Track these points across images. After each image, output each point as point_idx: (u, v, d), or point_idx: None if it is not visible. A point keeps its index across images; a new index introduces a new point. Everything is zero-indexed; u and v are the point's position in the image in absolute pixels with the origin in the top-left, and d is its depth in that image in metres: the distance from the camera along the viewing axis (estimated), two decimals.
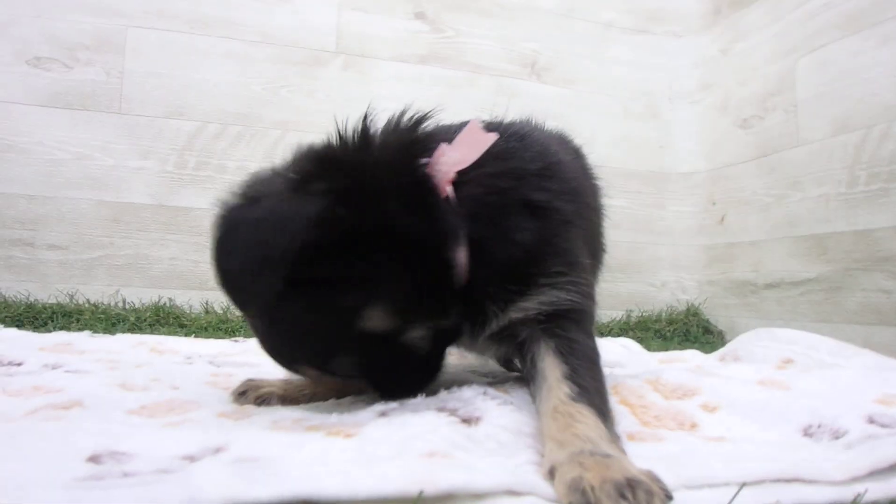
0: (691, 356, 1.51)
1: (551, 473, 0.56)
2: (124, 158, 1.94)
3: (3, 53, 1.84)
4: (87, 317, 1.64)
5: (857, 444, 0.69)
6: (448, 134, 0.74)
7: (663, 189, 2.45)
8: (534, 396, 0.70)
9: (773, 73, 2.11)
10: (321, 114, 2.10)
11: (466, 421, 0.58)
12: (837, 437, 0.72)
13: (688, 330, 2.27)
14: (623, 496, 0.49)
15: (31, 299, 1.73)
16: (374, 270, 0.64)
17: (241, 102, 2.06)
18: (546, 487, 0.53)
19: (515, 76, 2.35)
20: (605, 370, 0.75)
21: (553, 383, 0.66)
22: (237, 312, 1.90)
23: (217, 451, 0.48)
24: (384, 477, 0.45)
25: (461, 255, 0.69)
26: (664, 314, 2.34)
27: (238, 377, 0.90)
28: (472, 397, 0.67)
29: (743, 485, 0.58)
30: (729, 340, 1.95)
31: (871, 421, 0.76)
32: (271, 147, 2.09)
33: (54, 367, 0.91)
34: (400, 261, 0.65)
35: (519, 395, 0.74)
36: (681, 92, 2.50)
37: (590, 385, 0.67)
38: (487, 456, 0.54)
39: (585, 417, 0.62)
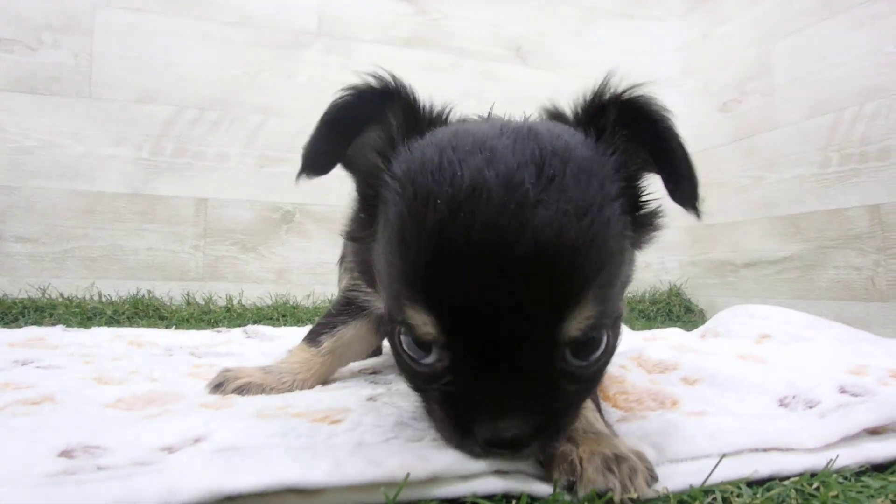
0: (673, 334, 1.54)
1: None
2: (96, 146, 1.87)
3: None
4: (60, 311, 1.59)
5: (830, 413, 0.71)
6: None
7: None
8: None
9: (751, 57, 2.14)
10: (303, 98, 2.05)
11: None
12: (811, 407, 0.74)
13: (670, 309, 2.31)
14: (609, 469, 0.51)
15: (0, 294, 1.68)
16: None
17: (219, 87, 2.00)
18: (531, 468, 0.54)
19: (501, 60, 2.33)
20: None
21: None
22: (219, 303, 1.88)
23: (197, 441, 0.47)
24: (373, 461, 0.45)
25: None
26: (647, 295, 2.38)
27: (220, 368, 0.89)
28: None
29: (723, 456, 0.60)
30: (709, 318, 2.00)
31: (843, 391, 0.79)
32: (252, 133, 2.04)
33: (24, 363, 0.88)
34: None
35: None
36: (663, 76, 2.51)
37: None
38: None
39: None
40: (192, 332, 1.46)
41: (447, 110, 0.61)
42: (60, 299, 1.69)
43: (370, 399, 0.63)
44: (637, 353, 1.03)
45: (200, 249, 1.96)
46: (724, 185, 2.25)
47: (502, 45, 2.34)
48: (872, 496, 0.56)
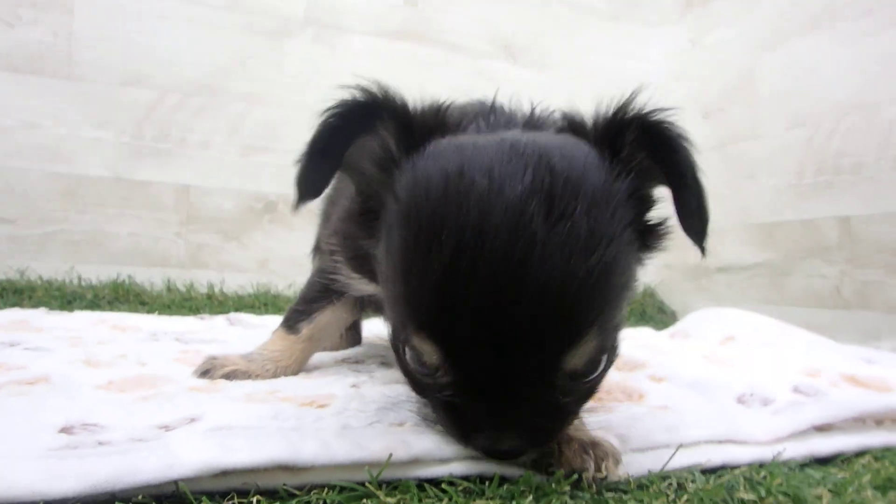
0: (644, 334, 1.60)
1: None
2: (77, 128, 1.84)
3: None
4: (39, 294, 1.58)
5: (783, 410, 0.77)
6: None
7: None
8: None
9: (737, 66, 2.18)
10: (289, 88, 2.04)
11: None
12: (766, 405, 0.80)
13: (644, 310, 2.38)
14: (585, 452, 0.56)
15: None
16: None
17: (204, 72, 1.98)
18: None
19: (491, 57, 2.35)
20: None
21: None
22: (201, 290, 1.88)
23: (192, 420, 0.50)
24: (358, 444, 0.48)
25: None
26: None
27: (207, 355, 0.91)
28: None
29: (679, 446, 0.65)
30: (680, 319, 2.07)
31: (797, 390, 0.84)
32: (236, 121, 2.02)
33: (12, 345, 0.88)
34: None
35: None
36: (651, 81, 2.55)
37: None
38: None
39: None
40: (176, 318, 1.46)
41: (444, 111, 0.59)
42: (40, 282, 1.67)
43: (353, 386, 0.66)
44: None
45: (182, 237, 1.95)
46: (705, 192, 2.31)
47: (493, 42, 2.35)
48: (812, 486, 0.61)
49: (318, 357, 0.98)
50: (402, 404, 0.60)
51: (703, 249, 0.58)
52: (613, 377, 0.92)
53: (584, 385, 0.55)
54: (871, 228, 1.68)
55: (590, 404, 0.79)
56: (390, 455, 0.49)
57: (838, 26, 1.80)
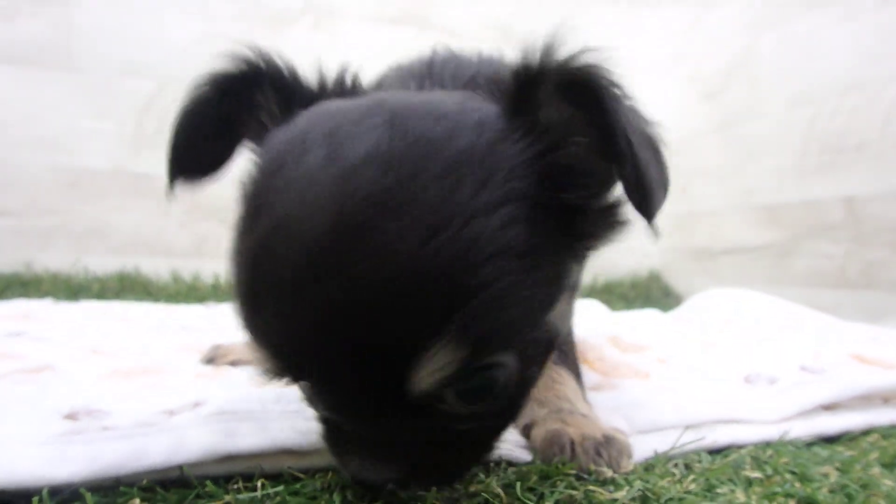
0: (649, 316, 1.60)
1: (527, 428, 0.59)
2: (78, 119, 1.84)
3: None
4: (46, 286, 1.59)
5: (789, 389, 0.76)
6: None
7: None
8: None
9: (737, 46, 2.16)
10: None
11: None
12: (773, 384, 0.80)
13: (649, 293, 2.38)
14: (599, 454, 0.53)
15: None
16: None
17: (204, 61, 1.97)
18: (518, 436, 0.58)
19: (489, 41, 2.32)
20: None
21: None
22: (206, 280, 1.88)
23: (196, 405, 0.50)
24: None
25: None
26: (628, 279, 2.44)
27: (212, 342, 0.91)
28: None
29: (686, 428, 0.64)
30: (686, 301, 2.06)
31: (803, 369, 0.84)
32: None
33: (18, 335, 0.90)
34: None
35: None
36: (652, 62, 2.53)
37: (568, 349, 0.69)
38: None
39: (565, 380, 0.65)
40: (182, 306, 1.47)
41: (353, 77, 0.51)
42: (46, 274, 1.68)
43: None
44: (613, 334, 1.08)
45: (187, 227, 1.95)
46: (707, 173, 2.29)
47: (492, 28, 2.33)
48: (819, 464, 0.61)
49: None
50: None
51: (652, 227, 0.43)
52: (620, 357, 0.92)
53: (485, 409, 0.42)
54: (875, 207, 1.66)
55: (597, 378, 0.79)
56: None
57: (837, 4, 1.77)
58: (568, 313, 0.63)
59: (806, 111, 1.88)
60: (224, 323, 1.21)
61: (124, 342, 0.88)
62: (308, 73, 0.51)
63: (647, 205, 0.42)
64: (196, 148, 0.51)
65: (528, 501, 0.46)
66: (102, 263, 1.82)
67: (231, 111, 0.50)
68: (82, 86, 1.84)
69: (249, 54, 0.50)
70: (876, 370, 0.82)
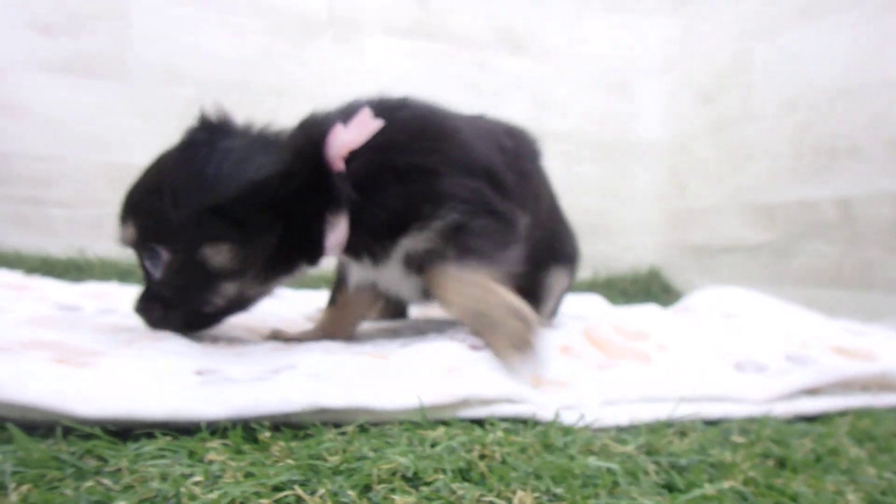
0: (650, 309, 1.70)
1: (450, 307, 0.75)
2: (127, 121, 2.00)
3: (13, 21, 1.91)
4: (97, 271, 1.71)
5: (775, 376, 0.87)
6: (346, 116, 0.86)
7: (630, 158, 2.62)
8: None
9: (732, 54, 2.24)
10: (315, 84, 2.17)
11: (474, 347, 0.73)
12: (761, 371, 0.90)
13: (649, 289, 2.47)
14: (512, 314, 0.70)
15: (44, 253, 1.80)
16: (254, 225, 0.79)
17: (237, 70, 2.12)
18: (537, 397, 0.69)
19: (496, 50, 2.43)
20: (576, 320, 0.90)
21: (446, 266, 0.80)
22: None
23: (290, 367, 0.61)
24: (418, 392, 0.59)
25: (340, 220, 0.83)
26: (628, 275, 2.54)
27: (269, 322, 1.04)
28: None
29: (680, 399, 0.75)
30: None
31: (788, 359, 0.94)
32: (267, 114, 2.13)
33: (109, 312, 1.01)
34: (285, 222, 0.81)
35: None
36: (647, 68, 2.62)
37: (480, 246, 0.81)
38: (491, 372, 0.68)
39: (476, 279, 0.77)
40: None
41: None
42: (97, 260, 1.81)
43: (404, 346, 0.77)
44: (618, 323, 1.18)
45: None
46: (704, 173, 2.38)
47: (498, 35, 2.43)
48: (797, 436, 0.71)
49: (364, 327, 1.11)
50: (447, 354, 0.71)
51: None
52: (624, 343, 1.03)
53: (171, 279, 0.80)
54: (868, 208, 1.74)
55: (604, 360, 0.90)
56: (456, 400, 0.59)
57: (829, 17, 1.85)
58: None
59: (799, 116, 1.96)
60: (277, 306, 1.32)
61: None
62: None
63: None
64: None
65: (556, 447, 0.57)
66: None
67: None
68: (131, 92, 2.02)
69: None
70: (856, 361, 0.88)
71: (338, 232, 0.83)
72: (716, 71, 2.33)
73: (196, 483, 0.42)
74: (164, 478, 0.43)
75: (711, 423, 0.74)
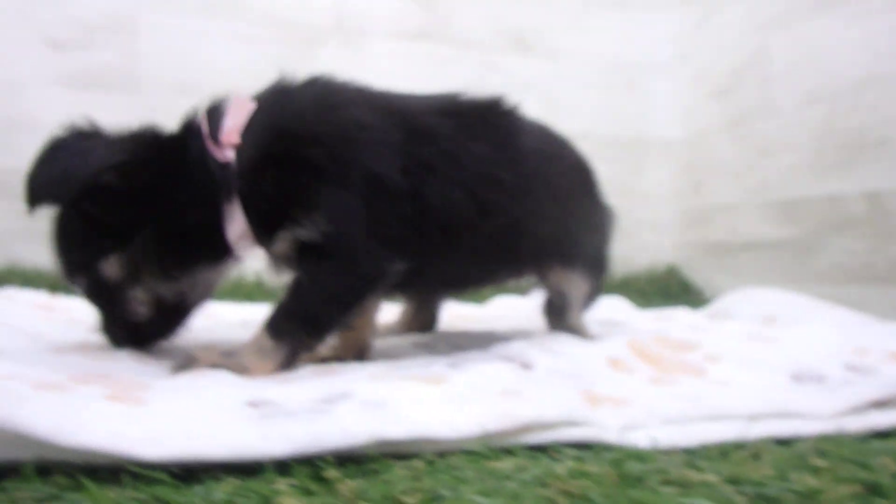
0: (683, 314, 1.65)
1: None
2: None
3: (27, 38, 1.92)
4: None
5: (838, 388, 0.82)
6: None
7: (643, 156, 2.57)
8: None
9: (746, 47, 2.18)
10: None
11: (525, 366, 0.68)
12: (821, 382, 0.85)
13: (668, 289, 2.42)
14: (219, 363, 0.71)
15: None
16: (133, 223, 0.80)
17: (247, 81, 2.08)
18: (597, 417, 0.64)
19: (503, 51, 2.40)
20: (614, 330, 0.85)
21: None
22: (249, 279, 1.96)
23: (344, 396, 0.57)
24: (479, 419, 0.55)
25: (235, 210, 0.81)
26: (645, 274, 2.48)
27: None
28: (523, 349, 0.77)
29: (751, 417, 0.70)
30: (706, 297, 2.10)
31: (849, 368, 0.89)
32: None
33: None
34: (164, 219, 0.81)
35: (561, 345, 0.85)
36: (658, 64, 2.57)
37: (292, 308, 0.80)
38: (547, 392, 0.64)
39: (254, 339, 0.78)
40: (263, 305, 1.52)
41: None
42: None
43: (452, 366, 0.73)
44: (658, 333, 1.13)
45: None
46: (721, 169, 2.33)
47: (505, 36, 2.40)
48: (877, 455, 0.66)
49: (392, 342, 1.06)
50: (500, 376, 0.67)
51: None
52: (671, 356, 0.98)
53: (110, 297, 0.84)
54: None
55: (657, 374, 0.85)
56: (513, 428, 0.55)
57: (845, 7, 1.79)
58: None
59: (820, 108, 1.89)
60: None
61: (216, 340, 0.95)
62: None
63: None
64: None
65: (632, 477, 0.52)
66: None
67: None
68: (142, 104, 2.01)
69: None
70: None
71: (236, 223, 0.81)
72: (730, 65, 2.27)
73: None
74: None
75: (780, 442, 0.70)
